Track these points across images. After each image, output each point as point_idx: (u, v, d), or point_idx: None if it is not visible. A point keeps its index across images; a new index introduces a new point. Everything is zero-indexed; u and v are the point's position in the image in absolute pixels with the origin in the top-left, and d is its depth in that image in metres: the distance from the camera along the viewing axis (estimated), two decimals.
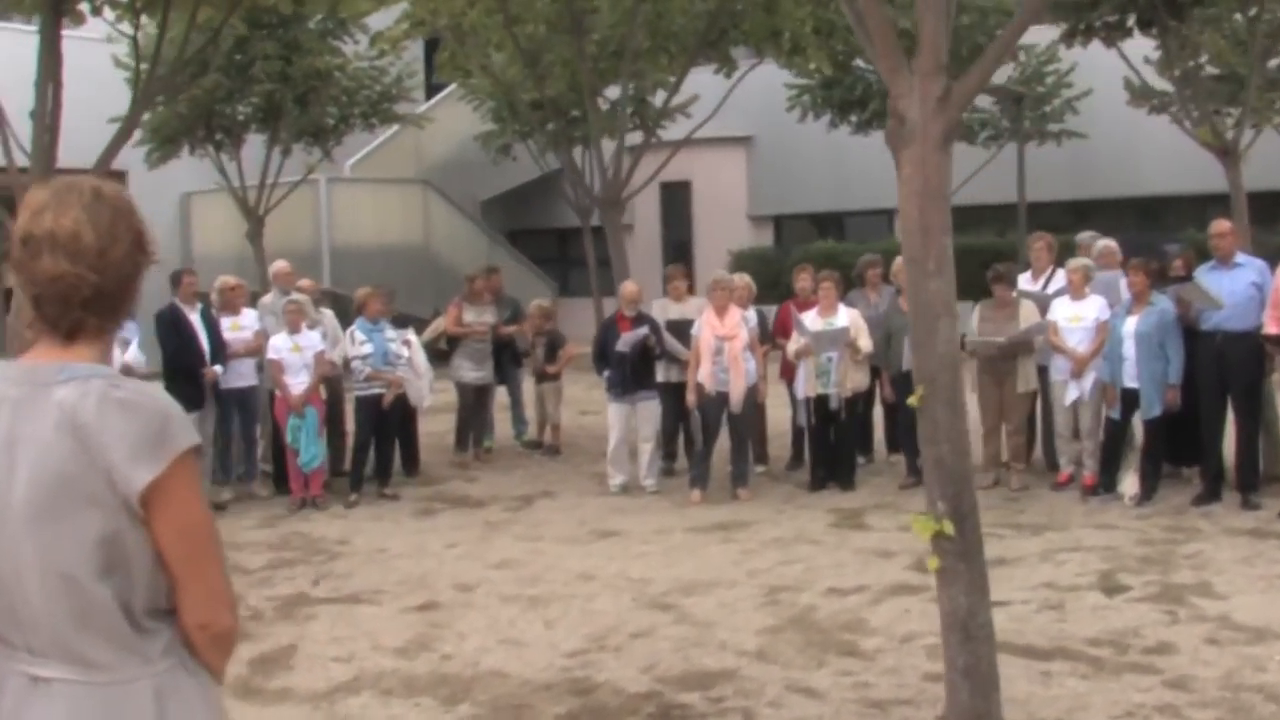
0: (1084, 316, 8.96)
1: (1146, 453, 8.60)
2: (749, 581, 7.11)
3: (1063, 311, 9.07)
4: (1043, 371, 9.31)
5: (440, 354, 12.27)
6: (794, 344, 9.62)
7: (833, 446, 9.58)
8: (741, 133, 22.20)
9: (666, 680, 5.55)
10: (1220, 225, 8.54)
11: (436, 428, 12.09)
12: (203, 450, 9.49)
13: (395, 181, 18.62)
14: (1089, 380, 8.89)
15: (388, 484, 10.06)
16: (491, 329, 11.67)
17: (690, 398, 9.44)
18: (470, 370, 11.62)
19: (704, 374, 9.31)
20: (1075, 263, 9.14)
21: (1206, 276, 8.48)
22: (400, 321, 11.17)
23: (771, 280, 16.26)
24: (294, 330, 9.72)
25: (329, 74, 13.92)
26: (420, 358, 10.77)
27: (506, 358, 12.01)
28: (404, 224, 19.53)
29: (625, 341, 9.69)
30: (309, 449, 9.60)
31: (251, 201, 15.14)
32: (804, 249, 20.13)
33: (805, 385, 9.53)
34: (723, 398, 9.28)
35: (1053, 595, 6.56)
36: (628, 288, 10.00)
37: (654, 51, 12.49)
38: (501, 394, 12.21)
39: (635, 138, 21.06)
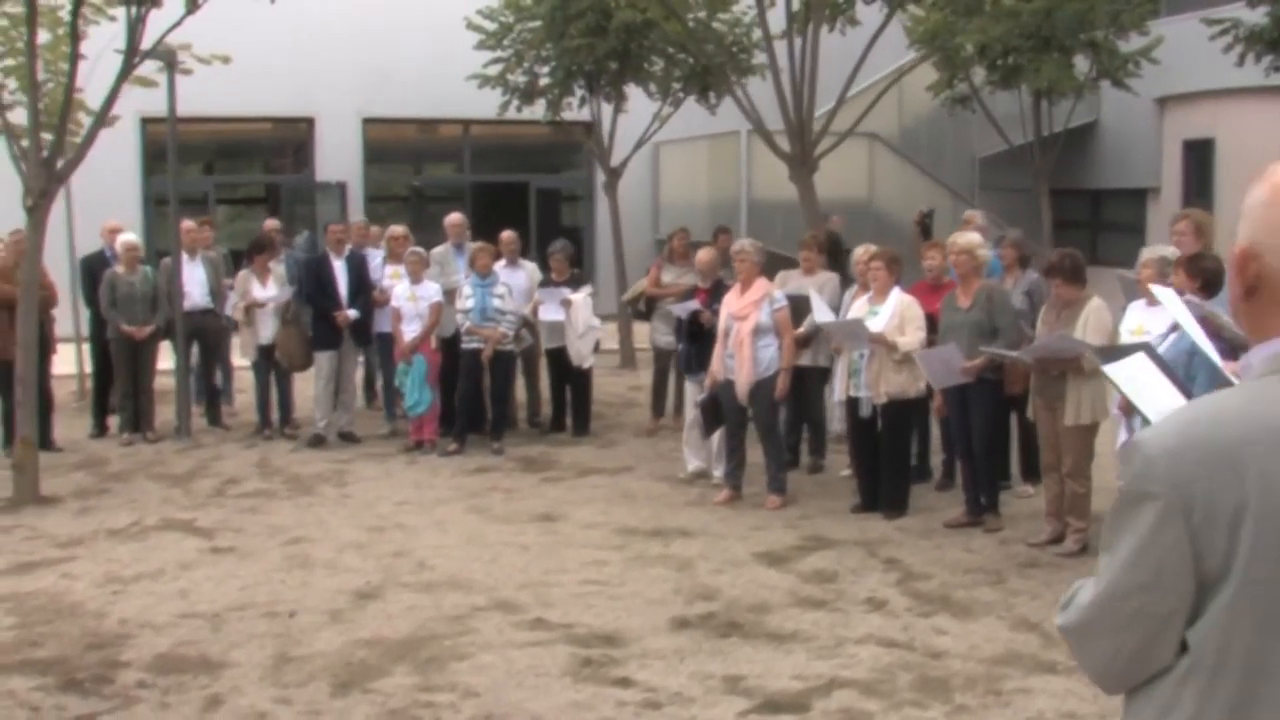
0: (1150, 330, 6.38)
1: None
2: (525, 599, 6.29)
3: (1129, 321, 6.55)
4: None
5: (641, 316, 11.93)
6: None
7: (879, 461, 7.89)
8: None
9: (169, 659, 5.41)
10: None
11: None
12: (347, 389, 10.46)
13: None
14: (1140, 419, 6.34)
15: (499, 438, 10.14)
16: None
17: (706, 382, 8.36)
18: (665, 334, 11.14)
19: (715, 357, 8.18)
20: (1149, 252, 6.51)
21: None
22: (577, 280, 11.10)
23: None
24: (414, 280, 10.18)
25: (640, 28, 13.80)
26: (580, 316, 10.64)
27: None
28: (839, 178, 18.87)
29: (680, 308, 8.83)
30: (412, 394, 10.06)
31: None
32: None
33: (839, 385, 7.94)
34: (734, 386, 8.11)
35: (692, 694, 4.99)
36: (702, 256, 9.01)
37: None
38: None
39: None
